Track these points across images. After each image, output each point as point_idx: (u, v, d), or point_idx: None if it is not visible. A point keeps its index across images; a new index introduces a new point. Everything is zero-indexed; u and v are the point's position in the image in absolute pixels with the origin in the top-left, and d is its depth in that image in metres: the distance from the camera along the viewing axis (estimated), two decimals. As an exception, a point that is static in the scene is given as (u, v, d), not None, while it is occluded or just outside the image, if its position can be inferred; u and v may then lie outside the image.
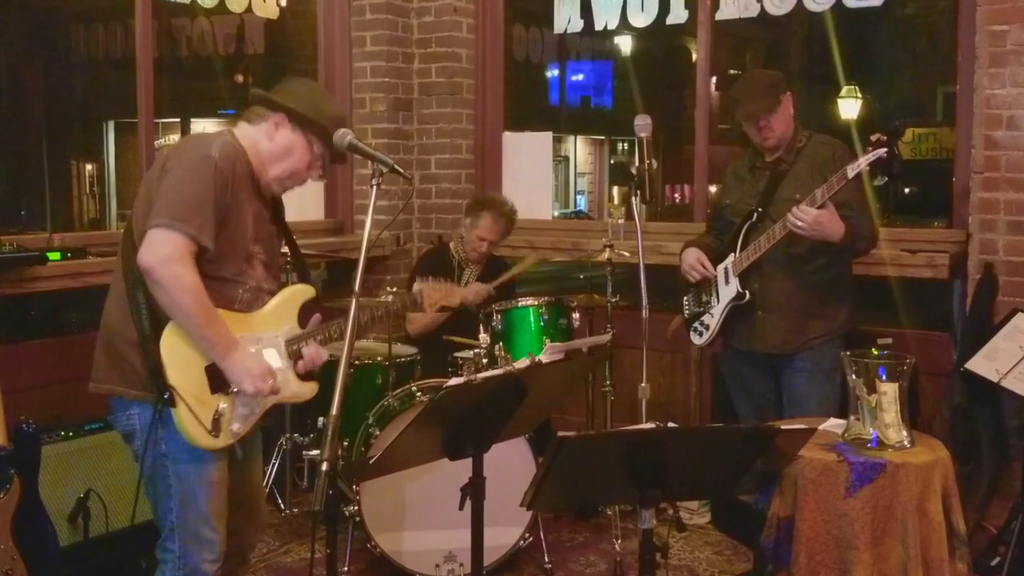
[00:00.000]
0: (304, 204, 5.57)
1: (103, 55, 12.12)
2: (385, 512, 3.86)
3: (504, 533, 3.90)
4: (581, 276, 4.99)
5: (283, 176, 2.89)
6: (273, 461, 4.63)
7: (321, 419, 4.13)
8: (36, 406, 3.63)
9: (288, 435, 4.60)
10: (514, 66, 7.60)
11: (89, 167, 15.53)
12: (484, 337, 4.12)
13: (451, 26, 5.70)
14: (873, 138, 3.50)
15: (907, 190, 13.82)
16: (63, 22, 12.71)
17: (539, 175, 6.07)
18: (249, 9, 5.34)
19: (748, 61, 17.78)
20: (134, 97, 4.79)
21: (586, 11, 5.62)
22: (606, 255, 4.53)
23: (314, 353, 2.91)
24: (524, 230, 5.17)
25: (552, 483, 2.32)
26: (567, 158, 24.52)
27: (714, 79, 7.06)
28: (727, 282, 3.92)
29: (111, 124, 15.54)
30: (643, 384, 3.73)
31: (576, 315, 4.43)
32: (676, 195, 21.41)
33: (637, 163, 3.74)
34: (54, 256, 4.00)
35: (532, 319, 4.33)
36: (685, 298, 4.11)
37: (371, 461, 3.06)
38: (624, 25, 5.55)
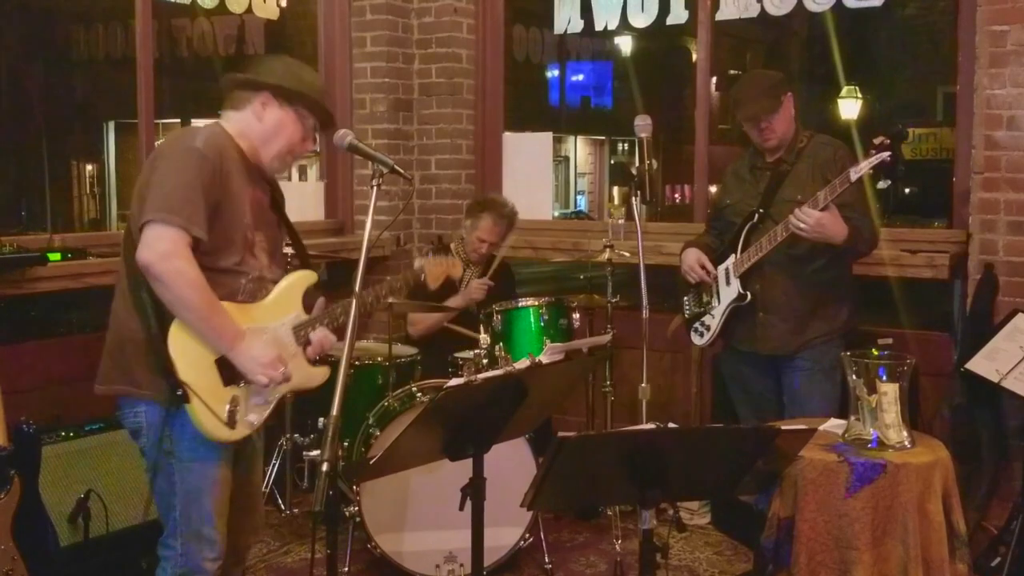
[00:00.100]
0: (304, 204, 5.57)
1: (103, 55, 12.12)
2: (385, 512, 3.86)
3: (504, 533, 3.90)
4: (581, 276, 4.99)
5: (281, 153, 2.88)
6: (273, 461, 4.63)
7: (321, 419, 4.14)
8: (36, 406, 3.63)
9: (288, 435, 4.60)
10: (514, 66, 7.58)
11: (89, 167, 15.54)
12: (484, 337, 4.12)
13: (451, 26, 5.70)
14: (876, 141, 3.49)
15: (907, 190, 13.83)
16: (63, 22, 12.71)
17: (539, 175, 6.07)
18: (249, 10, 5.34)
19: (748, 61, 17.79)
20: (134, 97, 4.79)
21: (586, 11, 5.61)
22: (606, 255, 4.53)
23: (322, 337, 2.92)
24: (524, 230, 5.17)
25: (552, 483, 2.32)
26: (567, 158, 24.54)
27: (714, 79, 7.05)
28: (728, 283, 3.92)
29: (111, 124, 15.55)
30: (643, 384, 3.73)
31: (576, 315, 4.43)
32: (676, 195, 21.41)
33: (637, 163, 3.74)
34: (54, 257, 4.00)
35: (532, 319, 4.33)
36: (685, 298, 4.11)
37: (371, 461, 3.06)
38: (624, 25, 5.55)
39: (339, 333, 2.80)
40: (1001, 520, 3.92)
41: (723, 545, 4.39)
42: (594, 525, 4.56)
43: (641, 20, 5.45)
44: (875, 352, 3.20)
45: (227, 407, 2.70)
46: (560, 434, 2.20)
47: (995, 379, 3.69)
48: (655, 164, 3.81)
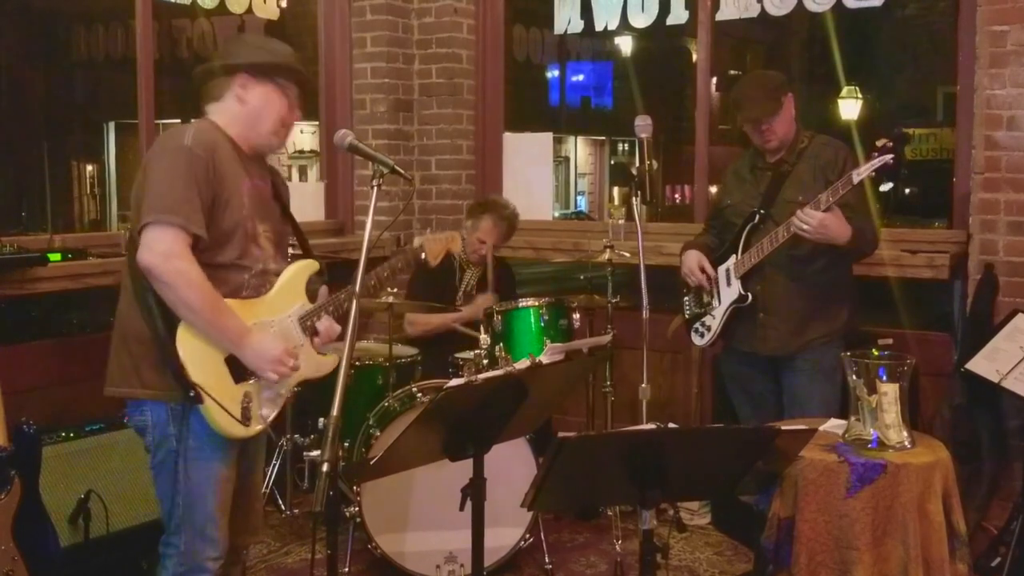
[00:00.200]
0: (304, 205, 5.57)
1: (104, 56, 12.11)
2: (386, 513, 3.86)
3: (505, 534, 3.90)
4: (581, 277, 4.98)
5: (274, 128, 2.87)
6: (274, 462, 4.63)
7: (322, 420, 4.14)
8: (37, 407, 3.63)
9: (288, 436, 4.60)
10: (514, 67, 7.59)
11: (90, 168, 15.52)
12: (484, 338, 4.12)
13: (451, 27, 5.70)
14: (879, 143, 3.49)
15: (907, 190, 13.82)
16: (64, 23, 12.70)
17: (539, 176, 6.07)
18: (249, 10, 5.34)
19: (748, 62, 17.77)
20: (135, 98, 4.79)
21: (586, 12, 5.62)
22: (606, 256, 4.53)
23: (329, 327, 2.92)
24: (525, 231, 5.17)
25: (553, 484, 2.32)
26: (567, 159, 24.51)
27: (714, 80, 7.04)
28: (729, 284, 3.92)
29: (112, 125, 15.53)
30: (643, 385, 3.73)
31: (576, 316, 4.43)
32: (676, 196, 21.39)
33: (637, 164, 3.74)
34: (55, 257, 4.00)
35: (532, 320, 4.33)
36: (686, 299, 4.11)
37: (372, 462, 3.06)
38: (624, 26, 5.55)
39: (343, 321, 2.80)
40: (1001, 520, 3.92)
41: (723, 545, 4.40)
42: (594, 525, 4.56)
43: (641, 20, 5.45)
44: (875, 352, 3.20)
45: (240, 404, 2.71)
46: (560, 434, 2.20)
47: (995, 379, 3.69)
48: (655, 164, 3.81)
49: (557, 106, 21.21)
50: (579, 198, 25.26)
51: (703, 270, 3.96)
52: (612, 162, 25.49)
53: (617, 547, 4.03)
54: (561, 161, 23.69)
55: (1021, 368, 3.65)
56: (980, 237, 4.26)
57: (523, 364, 2.74)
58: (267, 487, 4.53)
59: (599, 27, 5.62)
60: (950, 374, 4.26)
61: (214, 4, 5.10)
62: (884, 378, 3.11)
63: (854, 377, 3.16)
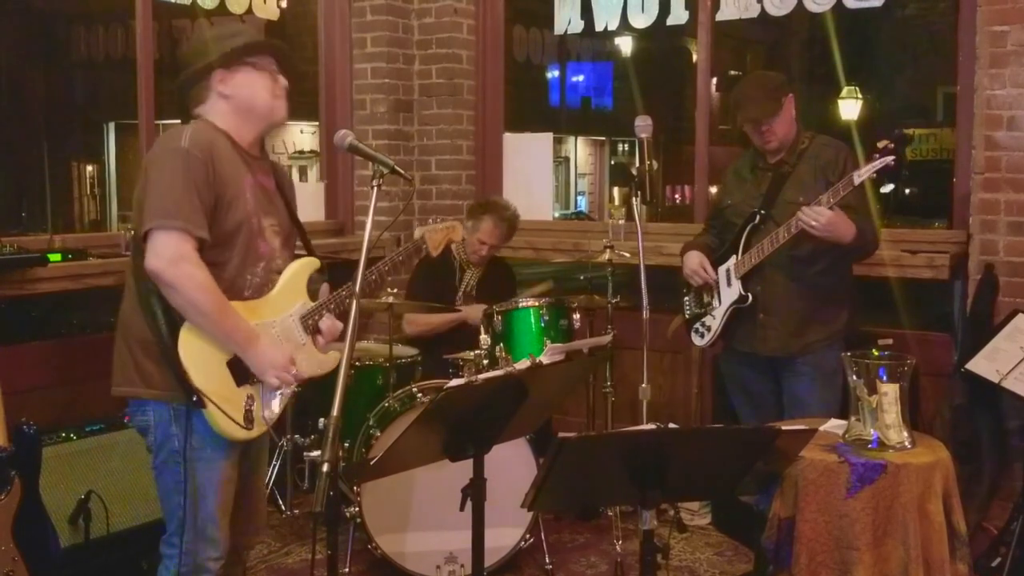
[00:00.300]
0: (305, 205, 5.53)
1: (104, 56, 12.11)
2: (386, 513, 3.86)
3: (505, 534, 3.90)
4: (581, 277, 4.99)
5: (269, 107, 2.86)
6: (274, 462, 4.63)
7: (322, 420, 4.14)
8: (37, 407, 3.63)
9: (289, 436, 4.60)
10: (514, 67, 7.59)
11: (90, 168, 15.52)
12: (485, 338, 4.13)
13: (451, 27, 5.70)
14: (880, 144, 3.49)
15: (907, 191, 13.82)
16: (63, 23, 12.70)
17: (540, 176, 6.07)
18: (249, 10, 5.33)
19: (748, 62, 17.77)
20: (135, 98, 4.79)
21: (586, 12, 5.62)
22: (606, 256, 4.53)
23: (331, 325, 2.93)
24: (525, 231, 5.17)
25: (553, 484, 2.32)
26: (567, 159, 24.49)
27: (714, 80, 7.05)
28: (729, 284, 3.92)
29: (112, 125, 15.53)
30: (644, 385, 3.73)
31: (577, 316, 4.43)
32: (676, 196, 21.38)
33: (638, 164, 3.74)
34: (55, 257, 4.00)
35: (533, 320, 4.33)
36: (686, 299, 4.11)
37: (372, 462, 3.06)
38: (624, 26, 5.55)
39: (344, 318, 2.79)
40: (1001, 520, 3.92)
41: (724, 546, 4.40)
42: (595, 526, 4.56)
43: (641, 21, 5.45)
44: (875, 352, 3.20)
45: (243, 408, 2.72)
46: (561, 435, 2.20)
47: (995, 379, 3.69)
48: (655, 165, 3.81)
49: (557, 106, 21.21)
50: (579, 198, 25.25)
51: (705, 271, 3.96)
52: (612, 162, 25.48)
53: (617, 547, 4.03)
54: (561, 161, 23.67)
55: (1021, 368, 3.65)
56: (980, 237, 4.26)
57: (523, 364, 2.74)
58: (267, 487, 4.52)
59: (599, 27, 5.62)
60: (950, 374, 4.26)
61: (214, 4, 5.10)
62: (884, 378, 3.11)
63: (854, 377, 3.16)
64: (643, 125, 3.75)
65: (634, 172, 3.72)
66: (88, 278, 4.11)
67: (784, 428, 2.46)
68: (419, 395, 4.01)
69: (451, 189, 5.81)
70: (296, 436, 4.60)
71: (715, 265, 3.97)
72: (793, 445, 2.56)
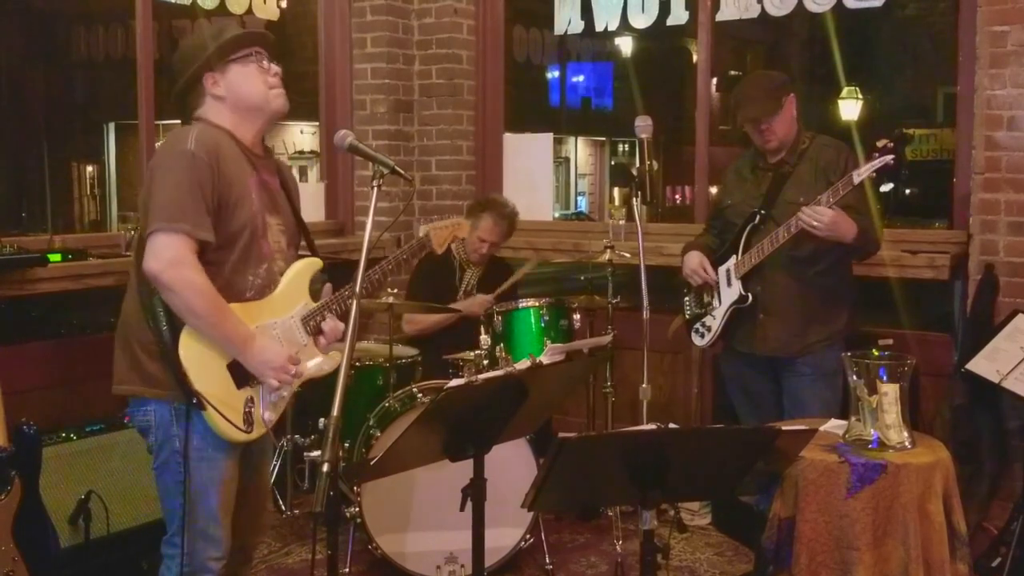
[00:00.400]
0: (305, 205, 5.52)
1: (104, 56, 12.12)
2: (386, 513, 3.86)
3: (505, 534, 3.90)
4: (582, 277, 4.99)
5: (263, 98, 2.84)
6: (274, 462, 4.63)
7: (322, 420, 4.14)
8: (37, 407, 3.63)
9: (289, 436, 4.60)
10: (515, 67, 7.60)
11: (90, 169, 15.53)
12: (485, 338, 4.13)
13: (451, 27, 5.70)
14: (880, 144, 3.49)
15: (908, 191, 13.82)
16: (63, 23, 12.71)
17: (540, 176, 6.07)
18: (249, 11, 5.33)
19: (749, 62, 17.79)
20: (135, 99, 4.79)
21: (586, 12, 5.61)
22: (607, 256, 4.53)
23: (333, 327, 2.92)
24: (525, 231, 5.17)
25: (553, 484, 2.32)
26: (568, 159, 24.51)
27: (715, 80, 7.05)
28: (729, 284, 3.92)
29: (112, 126, 15.54)
30: (644, 385, 3.72)
31: (577, 316, 4.44)
32: (677, 196, 21.39)
33: (638, 164, 3.74)
34: (55, 258, 4.00)
35: (533, 320, 4.33)
36: (686, 299, 4.11)
37: (372, 462, 3.06)
38: (624, 26, 5.55)
39: (346, 319, 2.79)
40: (1001, 521, 3.92)
41: (724, 546, 4.40)
42: (595, 526, 4.56)
43: (641, 21, 5.45)
44: (876, 352, 3.20)
45: (242, 410, 2.72)
46: (561, 435, 2.20)
47: (995, 380, 3.69)
48: (656, 165, 3.81)
49: (557, 107, 21.22)
50: (579, 199, 25.27)
51: (705, 270, 3.96)
52: (612, 163, 25.49)
53: (618, 547, 4.03)
54: (561, 162, 23.69)
55: (1021, 368, 3.65)
56: (980, 237, 4.26)
57: (523, 364, 2.74)
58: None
59: (599, 28, 5.62)
60: (950, 374, 4.26)
61: (214, 4, 5.10)
62: (884, 378, 3.11)
63: (855, 377, 3.16)
64: (643, 125, 3.75)
65: (634, 172, 3.71)
66: (88, 278, 4.11)
67: (784, 428, 2.47)
68: (419, 395, 4.01)
69: (451, 189, 5.81)
70: (296, 436, 4.60)
71: (715, 265, 3.97)
72: (793, 445, 2.56)
